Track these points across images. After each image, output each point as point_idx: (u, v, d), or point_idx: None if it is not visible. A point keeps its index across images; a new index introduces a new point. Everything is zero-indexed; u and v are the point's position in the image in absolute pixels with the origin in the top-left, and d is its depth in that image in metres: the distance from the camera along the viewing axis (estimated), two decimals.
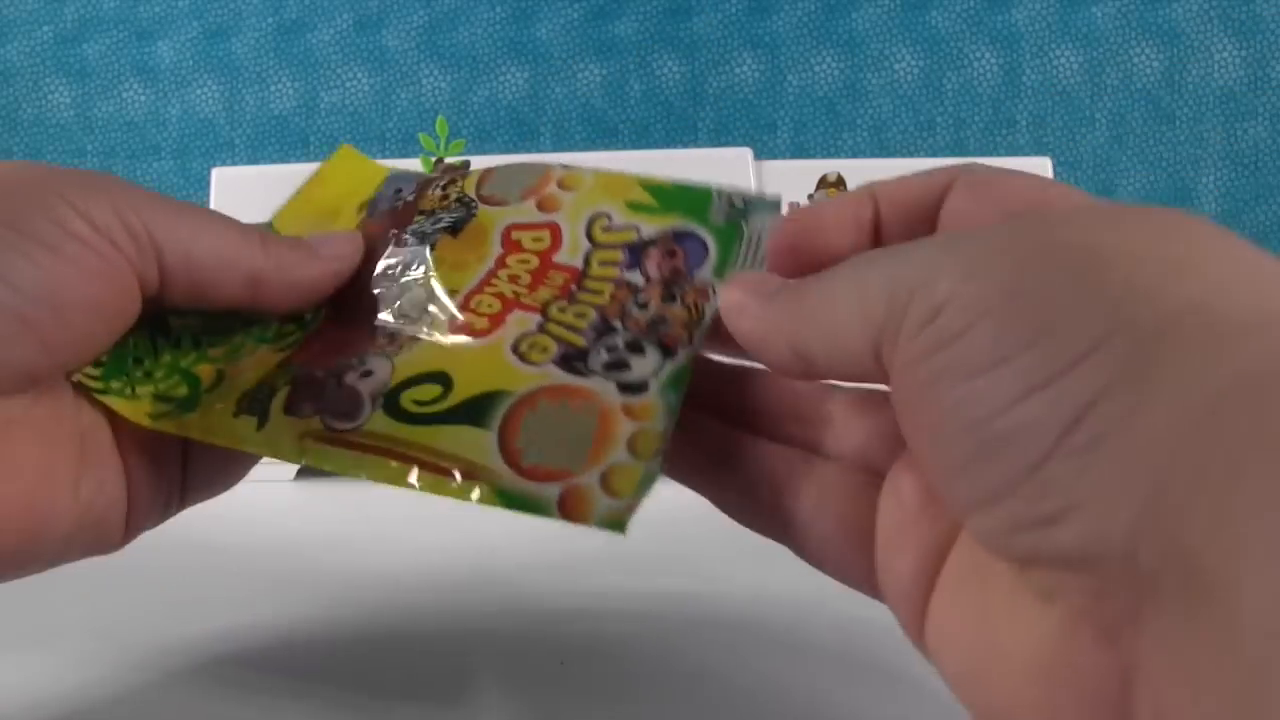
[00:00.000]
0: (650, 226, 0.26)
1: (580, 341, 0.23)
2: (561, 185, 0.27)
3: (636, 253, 0.25)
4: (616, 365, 0.23)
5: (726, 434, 0.26)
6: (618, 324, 0.24)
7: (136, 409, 0.24)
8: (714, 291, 0.25)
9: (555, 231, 0.26)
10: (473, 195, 0.27)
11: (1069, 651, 0.15)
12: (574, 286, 0.25)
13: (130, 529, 0.27)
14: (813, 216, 0.24)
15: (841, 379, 0.21)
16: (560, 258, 0.25)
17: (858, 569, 0.23)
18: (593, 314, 0.24)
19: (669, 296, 0.24)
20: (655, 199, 0.27)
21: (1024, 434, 0.15)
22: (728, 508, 0.26)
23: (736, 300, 0.22)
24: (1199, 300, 0.15)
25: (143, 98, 1.13)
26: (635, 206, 0.27)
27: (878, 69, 1.05)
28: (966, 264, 0.17)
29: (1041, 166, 0.93)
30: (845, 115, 1.06)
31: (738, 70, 1.07)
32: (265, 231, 0.27)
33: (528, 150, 0.95)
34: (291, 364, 0.24)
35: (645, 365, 0.23)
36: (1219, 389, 0.14)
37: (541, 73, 1.09)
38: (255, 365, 0.25)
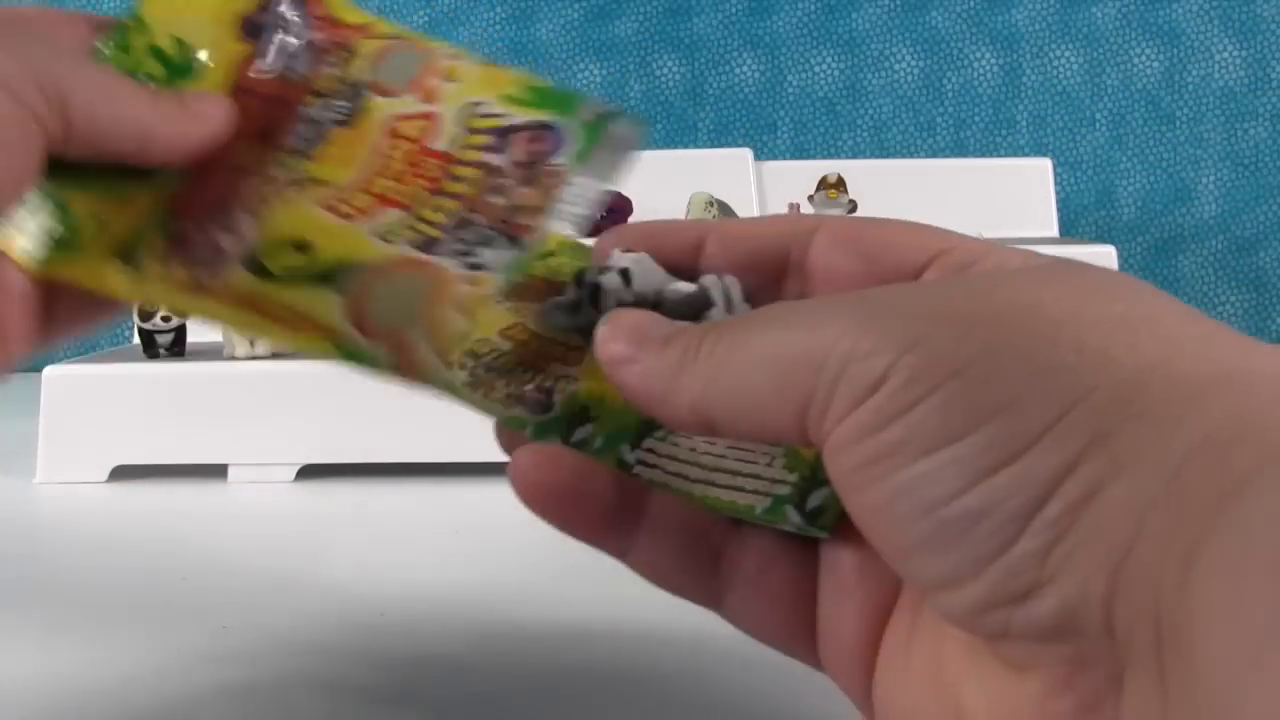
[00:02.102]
0: (521, 116, 0.28)
1: (438, 235, 0.25)
2: (446, 77, 0.29)
3: (504, 136, 0.27)
4: (464, 254, 0.24)
5: (658, 494, 0.24)
6: (475, 217, 0.25)
7: (12, 246, 0.25)
8: (571, 179, 0.27)
9: (433, 120, 0.27)
10: (365, 81, 0.28)
11: None
12: (442, 175, 0.26)
13: None
14: (650, 234, 0.24)
15: (753, 442, 0.20)
16: (435, 144, 0.27)
17: (799, 639, 0.22)
18: (454, 206, 0.25)
19: (526, 181, 0.25)
20: (531, 95, 0.29)
21: (988, 516, 0.14)
22: (656, 573, 0.23)
23: (619, 352, 0.20)
24: (1154, 361, 0.15)
25: None
26: (510, 99, 0.28)
27: (878, 69, 1.05)
28: (903, 334, 0.16)
29: (1041, 167, 0.94)
30: (845, 115, 1.06)
31: (738, 70, 1.07)
32: (151, 89, 0.27)
33: None
34: (168, 214, 0.26)
35: (491, 256, 0.24)
36: (1184, 451, 0.14)
37: (541, 73, 1.09)
38: (129, 210, 0.26)
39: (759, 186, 0.90)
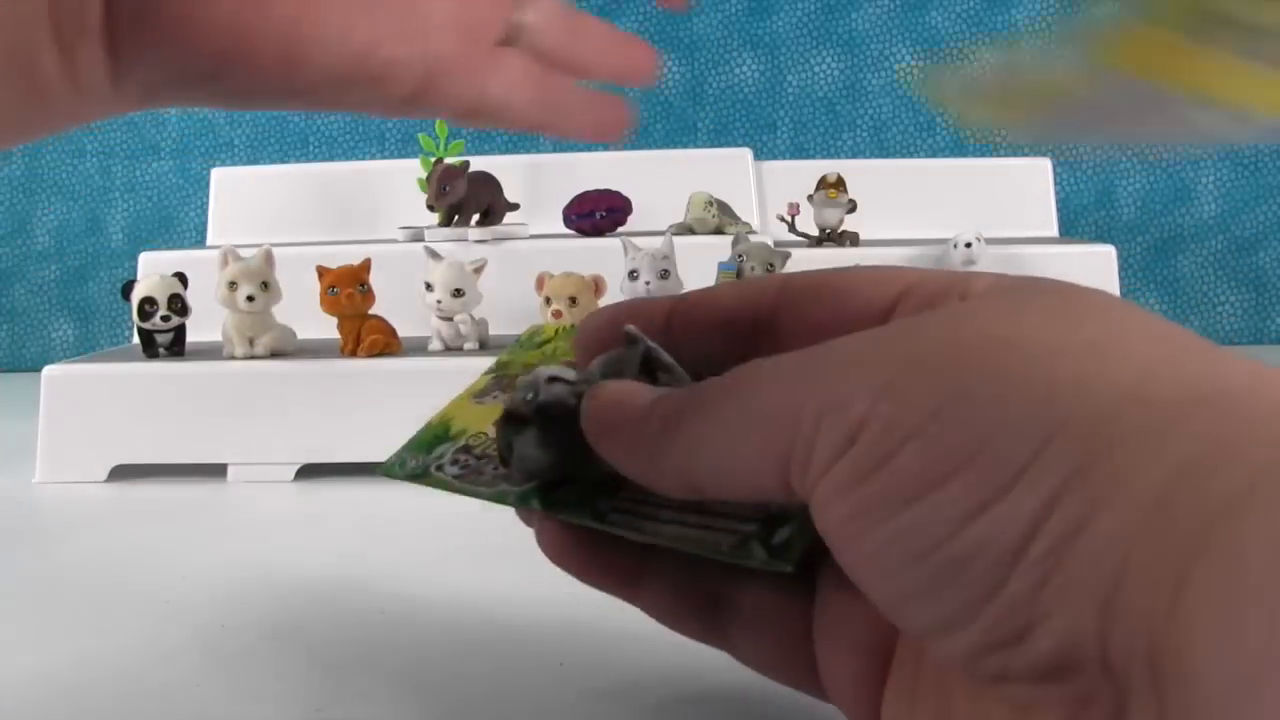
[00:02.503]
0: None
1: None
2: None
3: None
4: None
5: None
6: None
7: None
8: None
9: None
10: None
11: None
12: None
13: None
14: (619, 317, 0.23)
15: (742, 501, 0.19)
16: None
17: (803, 675, 0.22)
18: None
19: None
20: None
21: (977, 558, 0.14)
22: (662, 616, 0.24)
23: (603, 426, 0.20)
24: (1127, 387, 0.15)
25: None
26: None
27: (878, 69, 1.05)
28: (875, 379, 0.16)
29: (1041, 167, 0.93)
30: (845, 115, 1.06)
31: (737, 70, 1.07)
32: None
33: (527, 150, 0.95)
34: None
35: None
36: (1165, 479, 0.13)
37: None
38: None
39: (759, 186, 0.90)
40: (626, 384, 0.21)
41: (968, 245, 0.74)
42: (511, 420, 0.22)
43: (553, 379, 0.22)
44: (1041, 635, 0.14)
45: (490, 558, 0.43)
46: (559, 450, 0.22)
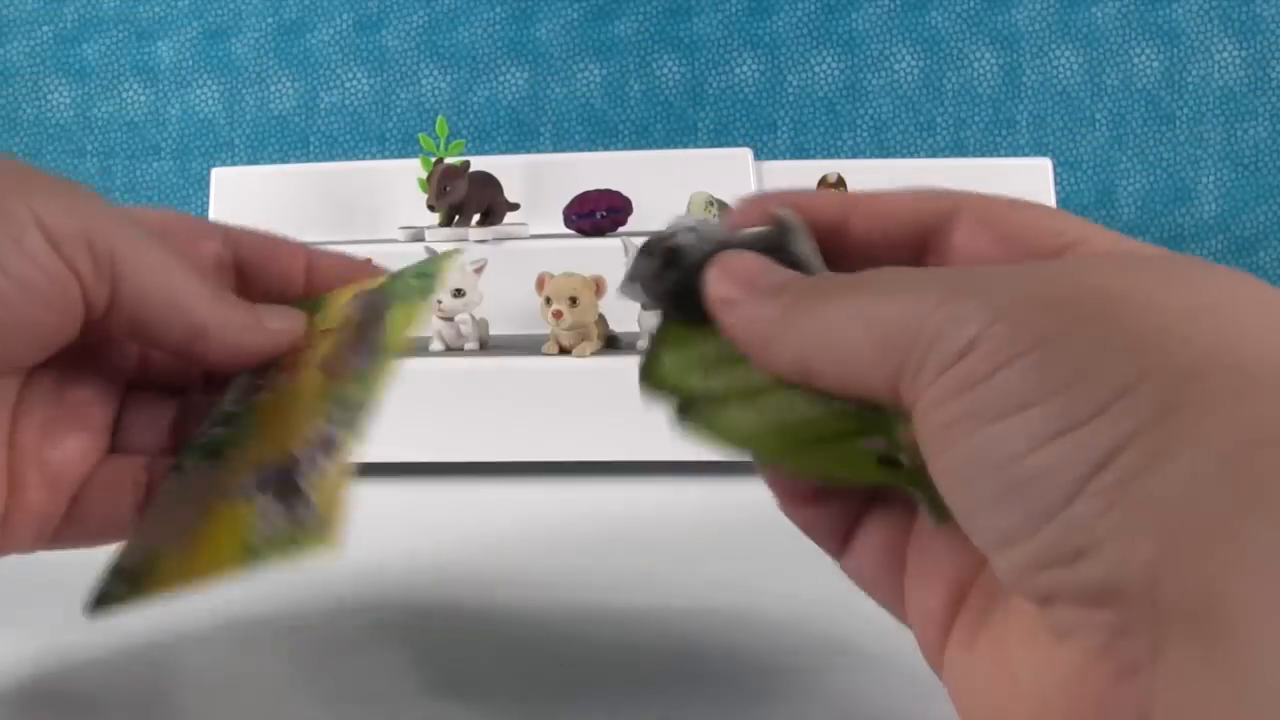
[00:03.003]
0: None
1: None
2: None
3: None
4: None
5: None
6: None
7: None
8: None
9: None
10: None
11: (1086, 691, 0.15)
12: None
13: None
14: (794, 202, 0.23)
15: (846, 397, 0.20)
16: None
17: (896, 596, 0.23)
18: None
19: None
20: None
21: (1049, 476, 0.15)
22: (812, 531, 0.24)
23: (729, 293, 0.21)
24: (1223, 346, 0.15)
25: (142, 98, 1.13)
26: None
27: (878, 69, 1.05)
28: (994, 307, 0.17)
29: (1042, 167, 0.93)
30: (845, 115, 1.06)
31: (738, 70, 1.07)
32: (219, 289, 0.26)
33: (527, 150, 0.95)
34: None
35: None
36: (1243, 438, 0.14)
37: (541, 73, 1.09)
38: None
39: (759, 186, 0.90)
40: (757, 258, 0.21)
41: None
42: (645, 250, 0.23)
43: (691, 229, 0.23)
44: (1095, 559, 0.15)
45: (490, 558, 0.43)
46: (671, 294, 0.22)
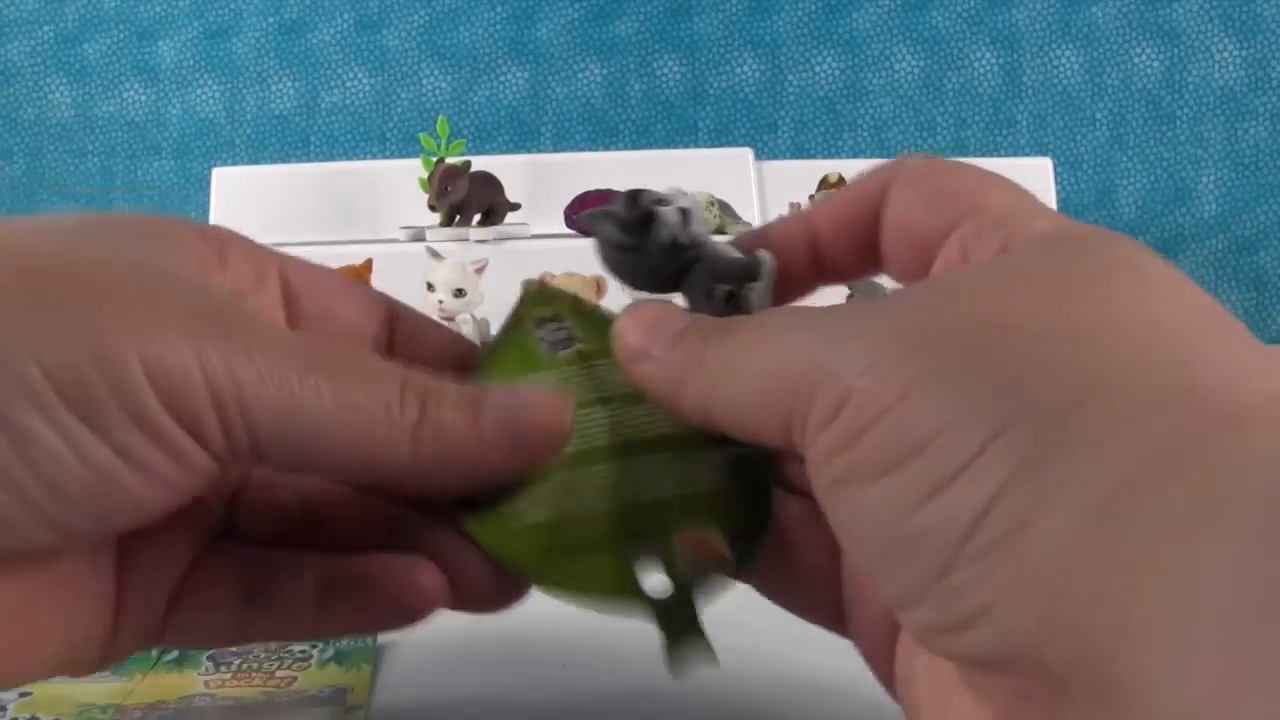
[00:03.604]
0: None
1: None
2: None
3: None
4: None
5: None
6: None
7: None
8: None
9: None
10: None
11: None
12: None
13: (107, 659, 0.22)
14: (760, 239, 0.23)
15: (748, 442, 0.19)
16: None
17: (825, 611, 0.21)
18: None
19: None
20: None
21: (929, 539, 0.15)
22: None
23: (635, 347, 0.20)
24: (1099, 376, 0.15)
25: (143, 98, 1.13)
26: None
27: (878, 69, 1.05)
28: (864, 354, 0.16)
29: (1042, 167, 0.94)
30: (845, 115, 1.06)
31: (738, 70, 1.07)
32: (423, 381, 0.19)
33: (528, 150, 0.95)
34: None
35: None
36: (1114, 484, 0.13)
37: (542, 73, 1.09)
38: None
39: (759, 186, 0.90)
40: (662, 307, 0.22)
41: None
42: (630, 198, 0.23)
43: (683, 209, 0.22)
44: (983, 628, 0.14)
45: None
46: (625, 253, 0.22)
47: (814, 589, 0.22)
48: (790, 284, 0.22)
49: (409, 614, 0.22)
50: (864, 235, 0.21)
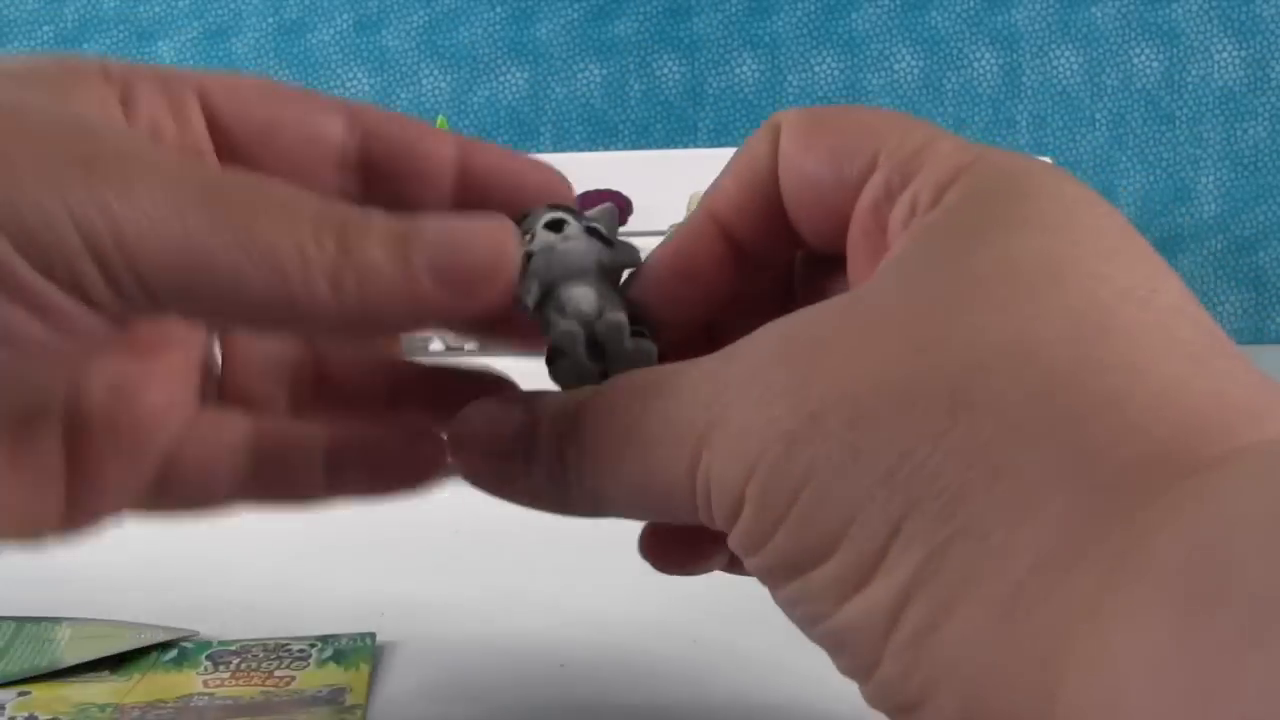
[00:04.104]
0: None
1: None
2: None
3: None
4: None
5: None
6: None
7: None
8: None
9: None
10: None
11: None
12: None
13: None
14: (670, 261, 0.20)
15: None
16: None
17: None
18: None
19: None
20: None
21: (856, 636, 0.15)
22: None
23: (487, 475, 0.19)
24: (981, 449, 0.14)
25: None
26: None
27: (878, 69, 1.05)
28: (745, 452, 0.15)
29: None
30: None
31: (738, 70, 1.07)
32: (342, 214, 0.16)
33: (528, 150, 0.95)
34: None
35: None
36: (1019, 577, 0.13)
37: (541, 73, 1.09)
38: None
39: None
40: (486, 417, 0.19)
41: None
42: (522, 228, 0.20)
43: (548, 247, 0.19)
44: (922, 717, 0.14)
45: (491, 558, 0.43)
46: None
47: None
48: (715, 291, 0.20)
49: (417, 483, 0.22)
50: (771, 208, 0.19)
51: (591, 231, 0.19)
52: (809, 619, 0.15)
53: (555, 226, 0.19)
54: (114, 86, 0.18)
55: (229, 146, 0.19)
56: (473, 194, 0.21)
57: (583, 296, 0.19)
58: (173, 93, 0.19)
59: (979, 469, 0.14)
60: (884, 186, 0.17)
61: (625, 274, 0.21)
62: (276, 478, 0.22)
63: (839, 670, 0.16)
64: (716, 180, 0.20)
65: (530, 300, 0.19)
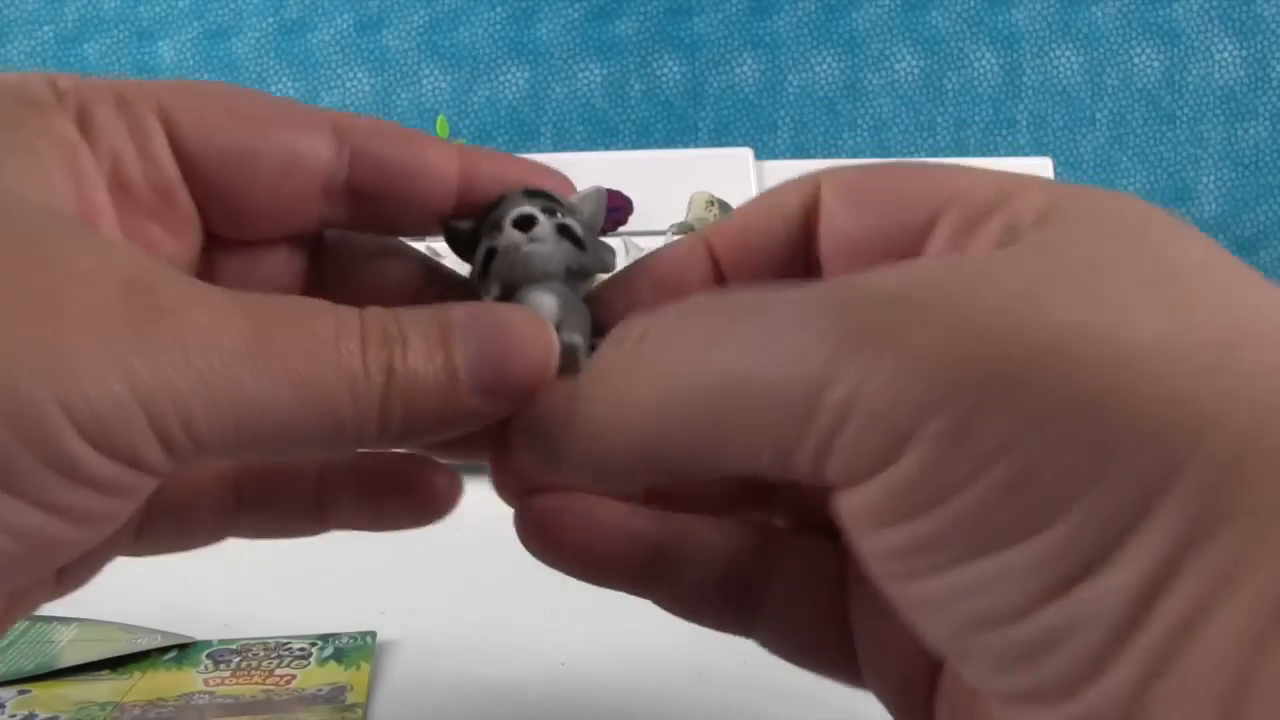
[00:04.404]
0: None
1: None
2: None
3: None
4: None
5: (664, 521, 0.20)
6: None
7: None
8: None
9: None
10: None
11: None
12: None
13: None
14: (652, 272, 0.19)
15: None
16: None
17: (836, 662, 0.19)
18: None
19: None
20: None
21: (1070, 638, 0.11)
22: (674, 605, 0.20)
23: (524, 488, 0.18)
24: (1258, 422, 0.11)
25: None
26: None
27: (878, 69, 1.05)
28: (927, 377, 0.12)
29: (1042, 167, 0.93)
30: (845, 115, 1.06)
31: (738, 70, 1.07)
32: (383, 325, 0.16)
33: (528, 150, 0.95)
34: None
35: None
36: None
37: (541, 73, 1.09)
38: None
39: (759, 186, 0.90)
40: (519, 451, 0.17)
41: None
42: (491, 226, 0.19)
43: (518, 247, 0.18)
44: None
45: (491, 558, 0.43)
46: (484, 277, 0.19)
47: (821, 642, 0.19)
48: None
49: (416, 513, 0.21)
50: (780, 257, 0.18)
51: (563, 231, 0.18)
52: (978, 619, 0.12)
53: (525, 224, 0.18)
54: (68, 111, 0.17)
55: (200, 177, 0.18)
56: (476, 203, 0.20)
57: (543, 304, 0.18)
58: (133, 116, 0.17)
59: (1257, 443, 0.11)
60: (964, 221, 0.15)
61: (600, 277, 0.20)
62: (264, 511, 0.21)
63: (990, 691, 0.12)
64: (723, 222, 0.19)
65: (489, 300, 0.18)
